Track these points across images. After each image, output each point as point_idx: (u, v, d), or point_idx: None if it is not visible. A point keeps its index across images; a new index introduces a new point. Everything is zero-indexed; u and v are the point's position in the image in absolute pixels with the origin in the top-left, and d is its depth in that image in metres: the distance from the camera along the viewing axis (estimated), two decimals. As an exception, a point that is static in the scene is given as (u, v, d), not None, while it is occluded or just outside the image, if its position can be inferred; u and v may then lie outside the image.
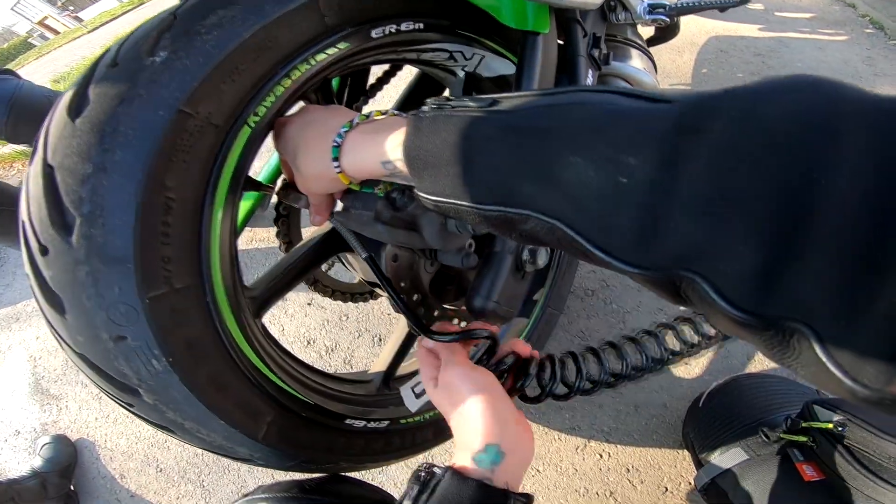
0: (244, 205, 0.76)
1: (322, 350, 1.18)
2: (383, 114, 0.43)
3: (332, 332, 1.20)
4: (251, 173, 0.49)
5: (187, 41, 0.36)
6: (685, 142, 0.23)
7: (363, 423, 0.57)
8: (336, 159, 0.41)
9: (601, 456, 0.96)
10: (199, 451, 1.18)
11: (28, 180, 0.36)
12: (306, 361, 0.59)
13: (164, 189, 0.36)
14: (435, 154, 0.32)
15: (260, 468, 1.11)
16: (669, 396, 0.97)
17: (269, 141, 0.48)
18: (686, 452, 0.93)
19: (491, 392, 0.43)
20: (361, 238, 0.52)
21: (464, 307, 0.57)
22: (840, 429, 0.61)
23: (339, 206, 0.51)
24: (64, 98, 0.37)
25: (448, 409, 0.44)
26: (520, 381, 0.47)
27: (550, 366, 0.50)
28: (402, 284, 0.56)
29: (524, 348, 0.50)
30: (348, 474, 0.57)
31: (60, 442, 1.30)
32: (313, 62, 0.45)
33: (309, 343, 1.20)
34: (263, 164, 0.85)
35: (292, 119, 0.46)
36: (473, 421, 0.41)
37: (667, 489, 0.92)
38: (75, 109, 0.35)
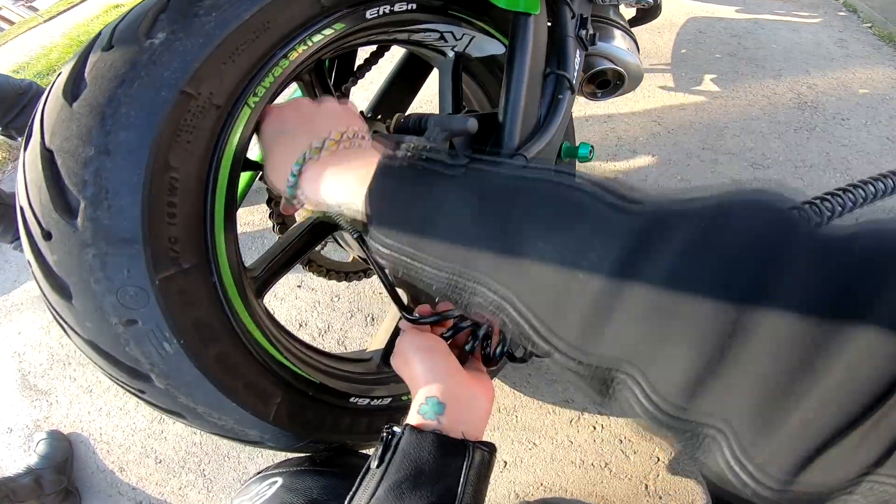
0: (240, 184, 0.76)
1: (315, 332, 1.19)
2: (350, 136, 0.42)
3: (324, 314, 1.21)
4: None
5: (186, 22, 0.36)
6: (645, 251, 0.25)
7: (367, 400, 0.58)
8: (294, 186, 0.41)
9: (595, 428, 1.00)
10: (197, 439, 1.19)
11: (26, 166, 0.36)
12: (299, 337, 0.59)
13: (169, 169, 0.36)
14: (400, 206, 0.32)
15: (260, 455, 1.12)
16: (658, 368, 1.01)
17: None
18: (675, 421, 0.96)
19: (430, 350, 0.47)
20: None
21: None
22: None
23: None
24: (57, 83, 0.37)
25: (403, 372, 0.48)
26: (469, 344, 0.51)
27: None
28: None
29: (479, 316, 0.52)
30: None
31: (55, 437, 1.29)
32: (310, 43, 0.45)
33: (301, 325, 1.20)
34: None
35: (273, 115, 0.45)
36: (415, 378, 0.45)
37: (658, 459, 0.96)
38: (71, 93, 0.35)
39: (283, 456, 0.57)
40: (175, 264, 0.37)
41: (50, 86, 0.37)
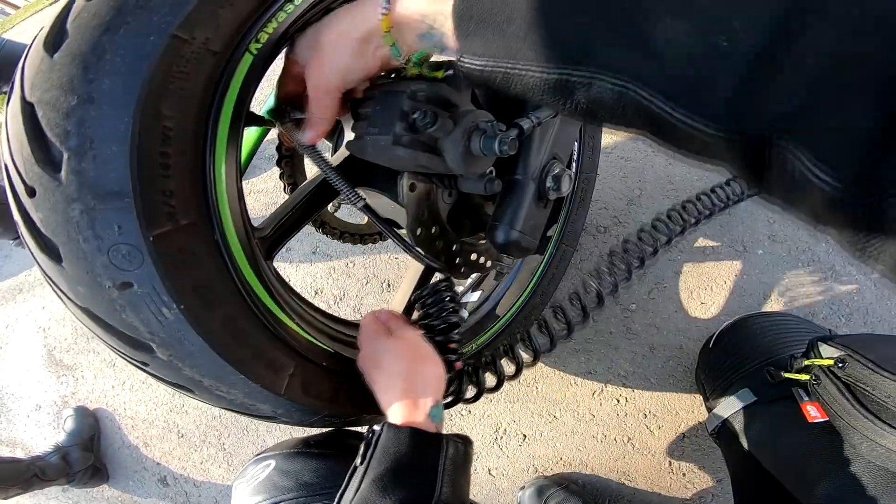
0: (246, 142, 0.73)
1: (330, 299, 1.17)
2: None
3: (339, 280, 1.18)
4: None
5: None
6: (804, 10, 0.22)
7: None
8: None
9: (618, 401, 0.97)
10: (217, 413, 1.20)
11: (7, 120, 0.34)
12: (310, 301, 0.57)
13: (161, 118, 0.33)
14: (492, 9, 0.30)
15: (278, 429, 1.12)
16: (685, 338, 0.96)
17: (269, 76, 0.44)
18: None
19: (437, 356, 0.50)
20: (377, 170, 0.49)
21: (482, 241, 0.54)
22: (840, 365, 0.58)
23: (350, 135, 0.48)
24: (39, 36, 0.34)
25: (411, 366, 0.47)
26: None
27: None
28: (421, 216, 0.54)
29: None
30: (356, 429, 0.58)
31: (81, 414, 1.31)
32: None
33: (317, 293, 1.18)
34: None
35: (314, 26, 0.43)
36: (429, 380, 0.47)
37: (684, 435, 0.93)
38: (52, 45, 0.33)
39: (300, 431, 0.56)
40: (171, 220, 0.34)
41: (32, 39, 0.35)
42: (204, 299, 0.36)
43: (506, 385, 1.00)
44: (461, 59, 0.33)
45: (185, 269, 0.35)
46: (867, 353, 0.57)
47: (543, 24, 0.28)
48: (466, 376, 0.55)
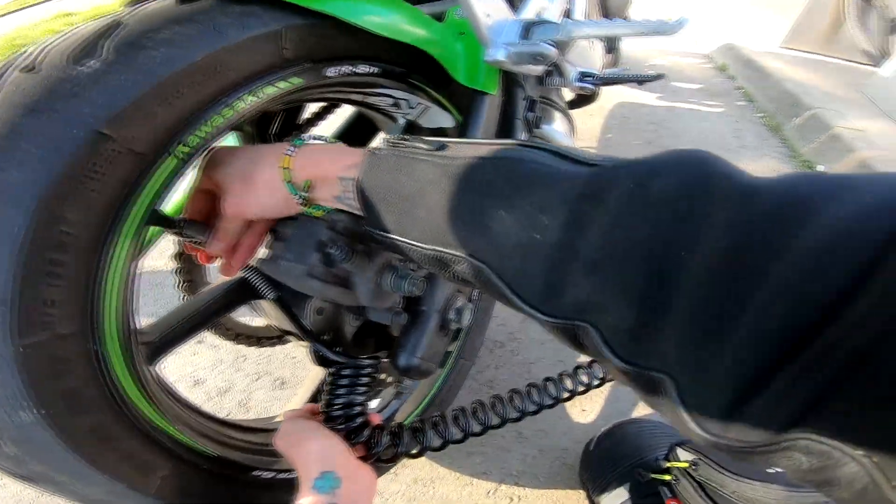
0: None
1: (213, 391, 1.06)
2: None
3: (225, 373, 1.08)
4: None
5: (129, 54, 0.32)
6: (586, 208, 0.27)
7: (272, 473, 0.52)
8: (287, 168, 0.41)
9: (511, 500, 0.97)
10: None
11: None
12: (197, 405, 0.53)
13: (61, 221, 0.30)
14: (384, 192, 0.35)
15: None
16: (569, 440, 1.02)
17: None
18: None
19: (323, 431, 0.47)
20: (283, 288, 0.49)
21: (384, 359, 0.56)
22: (694, 467, 0.70)
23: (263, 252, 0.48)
24: None
25: (293, 450, 0.46)
26: (373, 447, 0.51)
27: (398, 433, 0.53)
28: (325, 337, 0.53)
29: (376, 417, 0.54)
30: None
31: None
32: (261, 94, 0.41)
33: (196, 383, 1.06)
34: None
35: (235, 148, 0.45)
36: (309, 454, 0.44)
37: (572, 531, 0.95)
38: None
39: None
40: (48, 329, 0.31)
41: None
42: (71, 405, 0.33)
43: (404, 484, 0.97)
44: (363, 225, 0.38)
45: (55, 378, 0.32)
46: (714, 455, 0.69)
47: (422, 209, 0.33)
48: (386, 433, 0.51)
